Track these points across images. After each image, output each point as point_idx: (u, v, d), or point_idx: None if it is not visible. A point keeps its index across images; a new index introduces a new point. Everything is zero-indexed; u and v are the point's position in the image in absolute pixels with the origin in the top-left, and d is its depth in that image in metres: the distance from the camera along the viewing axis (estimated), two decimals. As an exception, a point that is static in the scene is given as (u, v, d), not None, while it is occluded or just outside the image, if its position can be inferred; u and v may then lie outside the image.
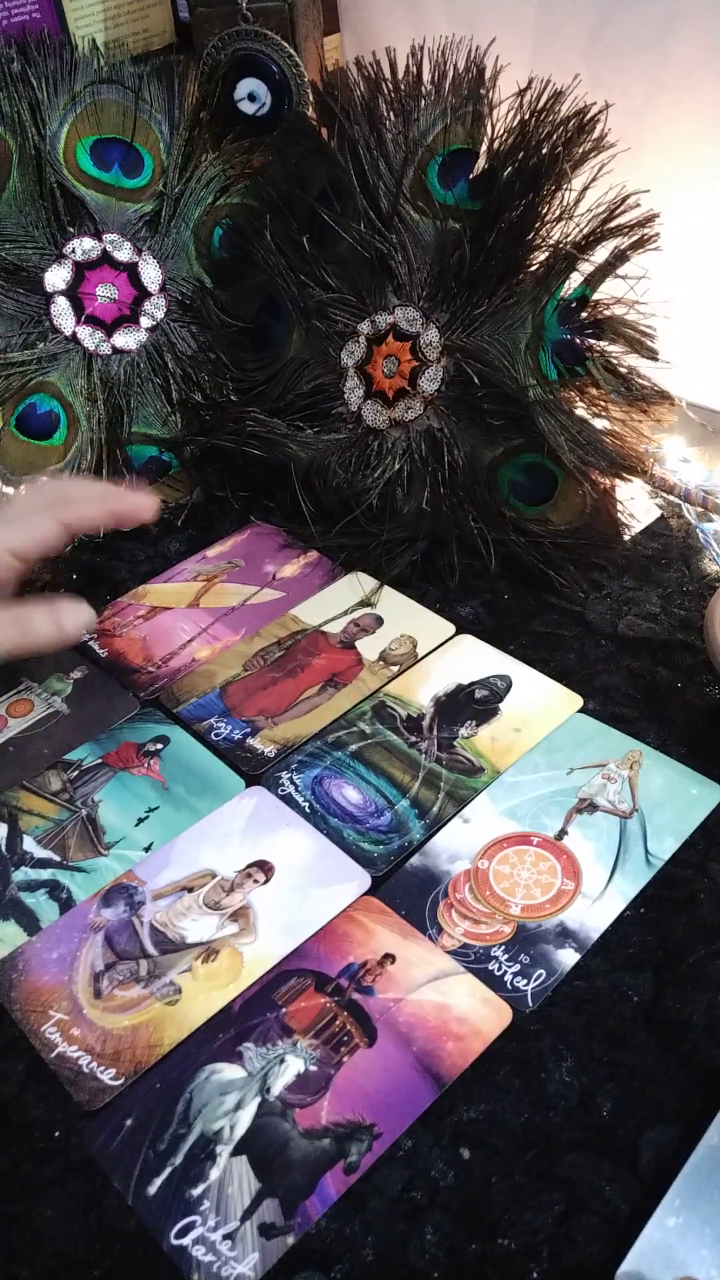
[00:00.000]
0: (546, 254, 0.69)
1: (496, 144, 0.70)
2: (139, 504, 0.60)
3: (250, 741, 0.63)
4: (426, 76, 0.72)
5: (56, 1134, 0.46)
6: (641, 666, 0.66)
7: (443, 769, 0.61)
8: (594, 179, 0.68)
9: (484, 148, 0.71)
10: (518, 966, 0.50)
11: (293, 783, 0.61)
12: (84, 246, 0.78)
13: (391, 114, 0.73)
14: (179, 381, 0.82)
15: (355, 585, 0.75)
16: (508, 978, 0.50)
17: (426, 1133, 0.45)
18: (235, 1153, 0.44)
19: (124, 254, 0.79)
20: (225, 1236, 0.42)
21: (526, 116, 0.69)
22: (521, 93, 0.69)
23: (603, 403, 0.70)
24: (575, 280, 0.68)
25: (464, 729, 0.63)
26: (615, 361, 0.68)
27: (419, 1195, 0.43)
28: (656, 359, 0.67)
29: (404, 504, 0.75)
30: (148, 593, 0.76)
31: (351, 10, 0.93)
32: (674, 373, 0.68)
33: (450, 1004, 0.49)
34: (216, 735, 0.64)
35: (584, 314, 0.68)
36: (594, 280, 0.68)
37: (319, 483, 0.77)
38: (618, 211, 0.67)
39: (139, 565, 0.78)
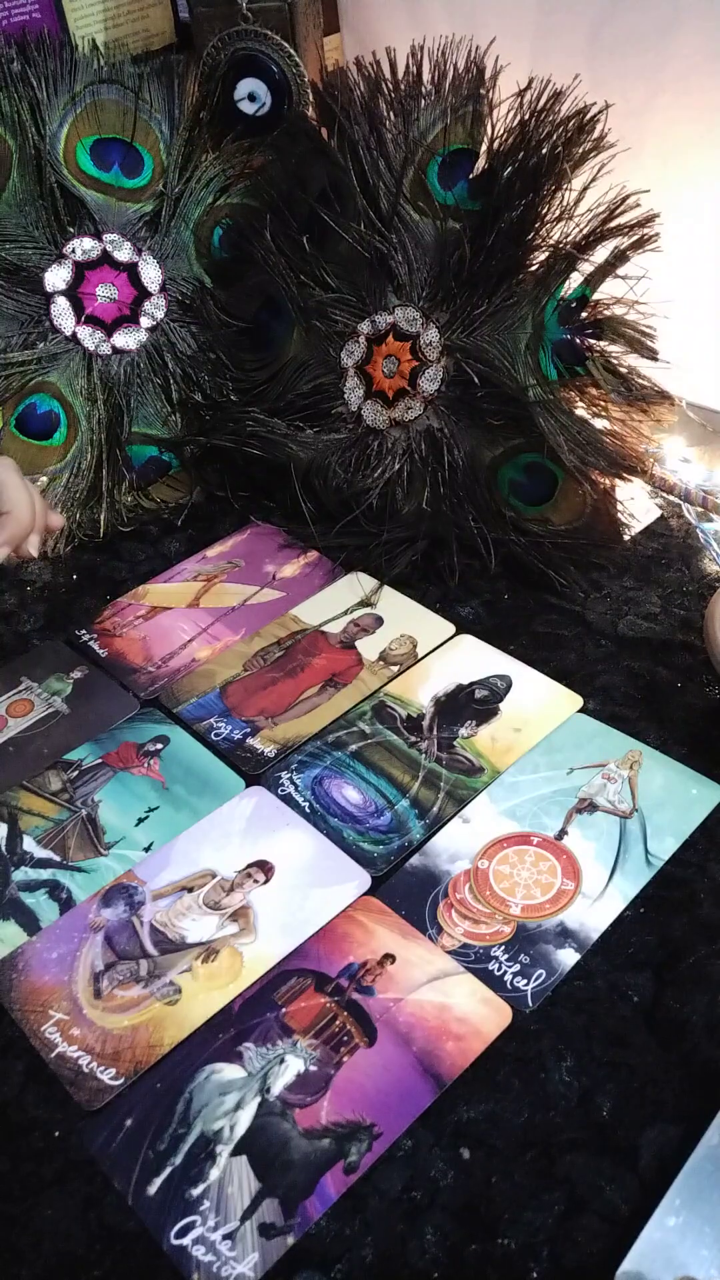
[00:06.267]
0: (546, 254, 0.69)
1: (496, 144, 0.70)
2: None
3: (250, 741, 0.63)
4: (426, 76, 0.72)
5: (56, 1134, 0.46)
6: (641, 666, 0.66)
7: (443, 769, 0.61)
8: (594, 179, 0.68)
9: (484, 148, 0.71)
10: (518, 966, 0.50)
11: (293, 783, 0.61)
12: (84, 246, 0.78)
13: (391, 114, 0.73)
14: (179, 381, 0.82)
15: (355, 585, 0.74)
16: (508, 978, 0.50)
17: (426, 1133, 0.45)
18: (235, 1153, 0.44)
19: (124, 254, 0.79)
20: (225, 1236, 0.42)
21: (526, 116, 0.69)
22: (521, 93, 0.69)
23: (603, 403, 0.70)
24: (575, 280, 0.68)
25: (464, 729, 0.63)
26: (615, 361, 0.68)
27: (419, 1195, 0.43)
28: (656, 359, 0.67)
29: (404, 504, 0.75)
30: (148, 593, 0.76)
31: (351, 10, 0.93)
32: (674, 373, 0.68)
33: (450, 1004, 0.49)
34: (216, 735, 0.64)
35: (584, 314, 0.68)
36: (594, 280, 0.68)
37: (319, 483, 0.77)
38: (618, 211, 0.67)
39: (139, 565, 0.78)
